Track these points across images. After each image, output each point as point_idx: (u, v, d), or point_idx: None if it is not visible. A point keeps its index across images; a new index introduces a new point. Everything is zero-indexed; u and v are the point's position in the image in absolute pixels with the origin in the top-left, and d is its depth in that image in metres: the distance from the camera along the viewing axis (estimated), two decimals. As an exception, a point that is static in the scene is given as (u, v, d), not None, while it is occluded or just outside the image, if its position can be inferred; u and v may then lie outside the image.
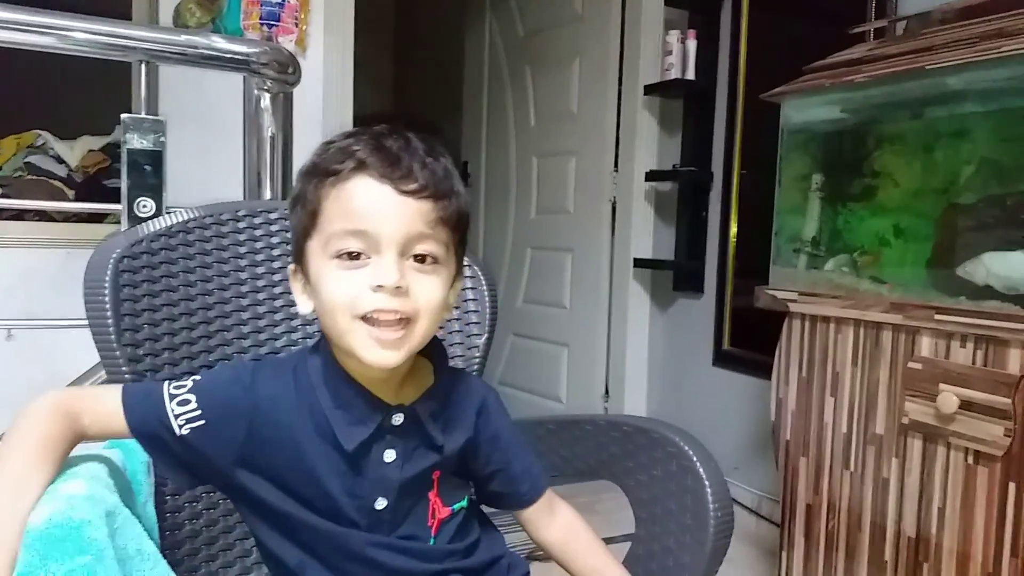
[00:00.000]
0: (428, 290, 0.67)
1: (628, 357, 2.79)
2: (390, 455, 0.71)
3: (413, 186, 0.65)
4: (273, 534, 0.73)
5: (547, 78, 3.08)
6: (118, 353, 0.87)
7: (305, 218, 0.68)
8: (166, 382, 0.71)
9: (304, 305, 0.71)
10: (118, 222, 2.00)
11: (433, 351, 0.76)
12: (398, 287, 0.64)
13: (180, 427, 0.68)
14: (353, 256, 0.65)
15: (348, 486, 0.70)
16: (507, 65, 3.33)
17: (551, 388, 3.08)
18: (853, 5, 2.02)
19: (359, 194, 0.65)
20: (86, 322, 0.99)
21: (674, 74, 2.53)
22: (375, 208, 0.65)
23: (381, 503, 0.71)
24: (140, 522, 0.71)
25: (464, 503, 0.78)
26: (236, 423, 0.69)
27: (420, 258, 0.67)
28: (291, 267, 0.73)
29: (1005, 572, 1.23)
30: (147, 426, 0.68)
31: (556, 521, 0.83)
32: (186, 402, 0.69)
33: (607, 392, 2.87)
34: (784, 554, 1.66)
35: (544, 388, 3.11)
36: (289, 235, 1.04)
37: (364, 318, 0.65)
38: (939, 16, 1.58)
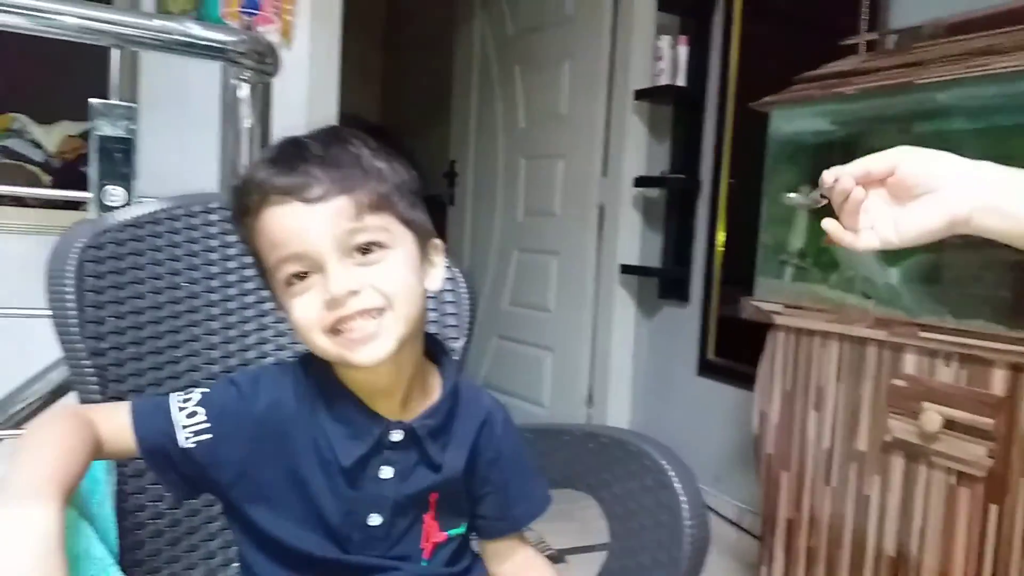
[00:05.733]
0: (386, 274, 0.65)
1: (612, 364, 2.76)
2: (387, 472, 0.70)
3: (318, 192, 0.63)
4: (260, 557, 0.71)
5: (537, 79, 3.05)
6: (80, 346, 0.84)
7: (252, 258, 0.69)
8: (172, 394, 0.69)
9: None
10: (94, 210, 1.96)
11: (443, 366, 0.75)
12: (351, 291, 0.63)
13: (186, 439, 0.66)
14: (300, 278, 0.64)
15: (342, 501, 0.69)
16: (497, 64, 3.29)
17: (533, 393, 3.04)
18: (846, 16, 2.01)
19: (273, 222, 0.64)
20: (54, 312, 0.95)
21: (664, 80, 2.51)
22: (293, 229, 0.63)
23: (375, 519, 0.70)
24: (93, 523, 0.68)
25: (462, 530, 0.76)
26: (240, 438, 0.68)
27: (363, 250, 0.64)
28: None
29: (984, 594, 1.22)
30: (152, 440, 0.66)
31: (515, 556, 0.80)
32: (194, 414, 0.67)
33: (591, 399, 2.84)
34: (764, 568, 1.64)
35: (526, 392, 3.06)
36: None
37: (334, 331, 0.64)
38: (930, 31, 1.57)
